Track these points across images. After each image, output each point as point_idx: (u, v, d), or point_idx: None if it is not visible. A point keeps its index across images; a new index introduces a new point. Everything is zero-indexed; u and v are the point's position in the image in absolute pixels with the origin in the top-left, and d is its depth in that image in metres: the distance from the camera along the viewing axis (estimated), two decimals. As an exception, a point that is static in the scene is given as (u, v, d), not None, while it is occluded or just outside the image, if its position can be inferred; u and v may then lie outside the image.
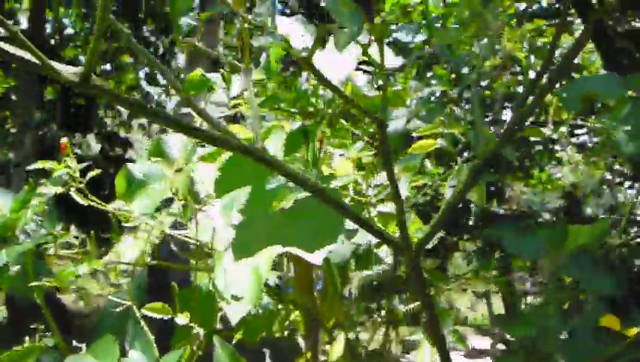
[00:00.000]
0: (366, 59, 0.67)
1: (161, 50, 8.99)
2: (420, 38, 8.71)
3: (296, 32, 0.71)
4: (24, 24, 8.25)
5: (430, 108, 0.68)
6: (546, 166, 8.29)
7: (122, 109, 9.32)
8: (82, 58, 8.88)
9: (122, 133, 9.26)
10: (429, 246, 0.70)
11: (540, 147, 7.78)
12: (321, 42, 0.72)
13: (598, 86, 0.67)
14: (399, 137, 0.73)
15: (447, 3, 8.24)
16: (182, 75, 7.95)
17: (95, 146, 9.53)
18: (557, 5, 6.17)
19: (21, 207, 0.60)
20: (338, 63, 0.57)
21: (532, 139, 7.75)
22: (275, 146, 0.78)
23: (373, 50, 0.76)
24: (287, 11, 7.82)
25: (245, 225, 0.62)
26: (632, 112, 0.65)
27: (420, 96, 0.73)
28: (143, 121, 9.36)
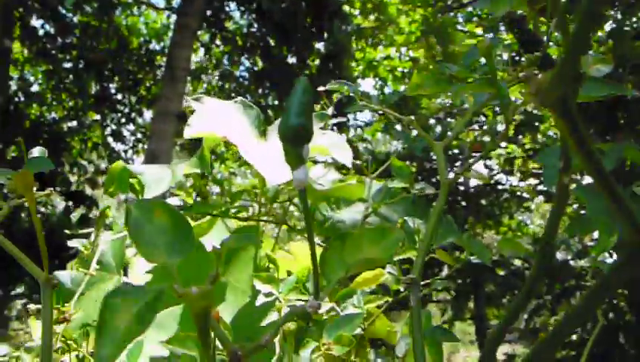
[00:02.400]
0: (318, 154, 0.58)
1: (126, 109, 8.91)
2: (387, 90, 8.86)
3: (234, 118, 0.62)
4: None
5: (389, 204, 0.60)
6: (514, 213, 8.37)
7: (88, 166, 9.12)
8: (48, 116, 8.73)
9: (87, 190, 9.03)
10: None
11: (507, 195, 7.86)
12: (262, 133, 0.63)
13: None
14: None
15: (413, 57, 8.44)
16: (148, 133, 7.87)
17: (60, 204, 9.25)
18: (517, 58, 6.33)
19: None
20: (282, 163, 0.47)
21: (500, 187, 7.82)
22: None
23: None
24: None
25: None
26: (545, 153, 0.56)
27: (379, 189, 0.64)
28: (109, 178, 9.15)
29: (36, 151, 0.49)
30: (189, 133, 0.53)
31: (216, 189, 0.70)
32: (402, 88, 8.59)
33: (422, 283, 0.64)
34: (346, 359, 0.56)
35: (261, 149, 0.56)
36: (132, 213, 0.32)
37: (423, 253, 0.35)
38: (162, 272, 0.29)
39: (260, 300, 0.50)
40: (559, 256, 7.45)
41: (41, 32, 7.95)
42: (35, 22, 7.98)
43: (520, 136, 6.35)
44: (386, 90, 8.87)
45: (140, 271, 0.80)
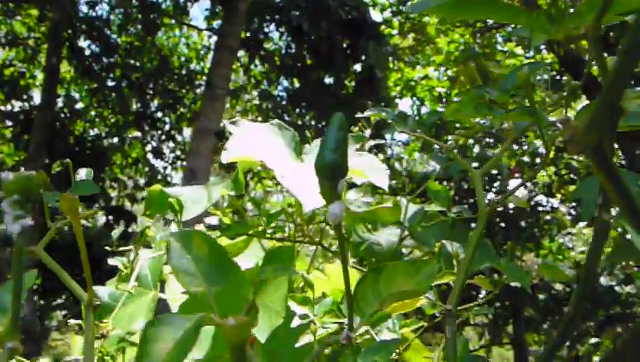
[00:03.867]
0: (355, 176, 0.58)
1: (166, 126, 9.12)
2: (425, 110, 8.81)
3: (270, 141, 0.62)
4: (37, 99, 8.43)
5: (427, 228, 0.59)
6: (555, 236, 8.13)
7: (128, 181, 9.35)
8: (91, 131, 9.01)
9: (127, 206, 9.24)
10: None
11: (548, 217, 7.66)
12: (299, 155, 0.63)
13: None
14: (391, 258, 0.64)
15: (451, 77, 8.38)
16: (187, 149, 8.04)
17: (101, 218, 9.49)
18: (559, 77, 6.22)
19: None
20: (317, 186, 0.47)
21: (540, 209, 7.63)
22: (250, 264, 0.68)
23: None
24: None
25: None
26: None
27: (416, 211, 0.64)
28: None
29: (83, 173, 0.51)
30: (226, 157, 0.54)
31: (252, 207, 0.71)
32: (440, 109, 8.53)
33: (459, 307, 0.63)
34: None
35: (297, 172, 0.56)
36: (173, 243, 0.32)
37: (460, 283, 0.35)
38: (200, 299, 0.29)
39: (296, 322, 0.50)
40: (603, 281, 7.20)
41: (87, 52, 8.26)
42: (82, 42, 8.29)
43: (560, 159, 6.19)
44: (424, 110, 8.83)
45: (175, 288, 0.81)
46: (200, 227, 0.69)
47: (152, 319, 0.30)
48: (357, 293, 0.33)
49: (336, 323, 0.49)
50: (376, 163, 0.57)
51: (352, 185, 0.79)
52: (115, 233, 0.66)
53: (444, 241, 0.57)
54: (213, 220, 0.66)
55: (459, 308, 0.57)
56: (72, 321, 0.60)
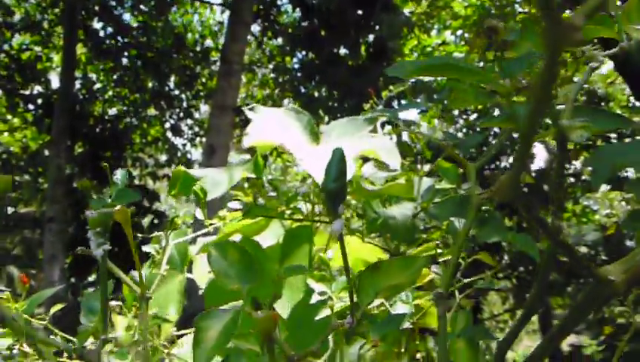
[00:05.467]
0: (369, 155, 0.60)
1: (184, 103, 9.17)
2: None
3: (287, 125, 0.65)
4: (55, 83, 8.53)
5: (439, 203, 0.61)
6: (579, 198, 8.04)
7: (148, 160, 9.47)
8: (110, 111, 9.11)
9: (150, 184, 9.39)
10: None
11: (572, 179, 7.57)
12: (315, 137, 0.66)
13: (630, 156, 0.59)
14: (406, 231, 0.66)
15: (468, 41, 8.22)
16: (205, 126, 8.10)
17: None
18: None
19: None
20: None
21: (565, 171, 7.54)
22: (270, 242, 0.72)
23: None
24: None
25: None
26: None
27: (428, 187, 0.66)
28: (168, 171, 9.48)
29: (119, 174, 0.55)
30: (247, 142, 0.57)
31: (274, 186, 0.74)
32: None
33: (467, 280, 0.66)
34: (397, 351, 0.59)
35: (314, 154, 0.59)
36: (212, 252, 0.42)
37: (453, 264, 0.38)
38: (223, 282, 0.38)
39: (315, 298, 0.53)
40: (629, 243, 7.13)
41: (101, 34, 8.30)
42: (96, 24, 8.33)
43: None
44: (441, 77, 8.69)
45: (202, 269, 0.85)
46: (223, 212, 0.72)
47: (202, 313, 0.39)
48: (358, 286, 0.41)
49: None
50: (389, 143, 0.59)
51: (366, 159, 0.82)
52: (146, 222, 0.70)
53: (452, 218, 0.59)
54: (235, 204, 0.69)
55: (467, 280, 0.60)
56: (113, 303, 0.65)
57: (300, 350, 0.37)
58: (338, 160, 0.45)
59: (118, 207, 0.44)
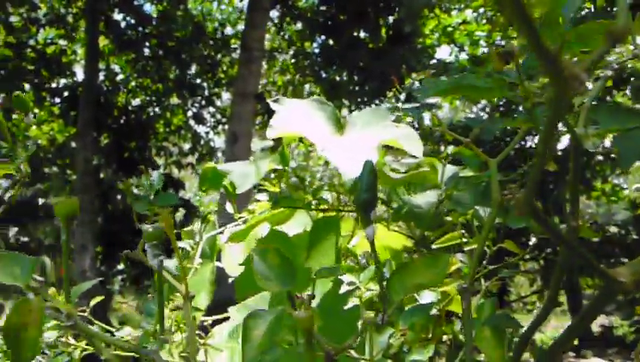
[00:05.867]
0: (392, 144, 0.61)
1: (206, 92, 9.22)
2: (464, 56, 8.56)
3: (311, 116, 0.66)
4: (80, 75, 8.67)
5: (463, 190, 0.61)
6: (609, 177, 7.86)
7: (173, 148, 9.58)
8: (134, 101, 9.22)
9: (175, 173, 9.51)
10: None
11: (601, 157, 7.40)
12: (339, 128, 0.67)
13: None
14: (431, 219, 0.67)
15: (490, 19, 8.08)
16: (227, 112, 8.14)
17: (150, 186, 9.80)
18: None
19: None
20: (357, 156, 0.52)
21: (592, 149, 7.38)
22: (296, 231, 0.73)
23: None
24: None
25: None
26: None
27: (452, 175, 0.66)
28: (192, 160, 9.58)
29: (155, 175, 0.57)
30: (272, 134, 0.58)
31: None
32: (482, 51, 8.27)
33: (492, 266, 0.66)
34: (424, 336, 0.60)
35: (337, 145, 0.60)
36: (254, 256, 0.46)
37: (477, 256, 0.39)
38: (251, 271, 0.42)
39: (343, 288, 0.55)
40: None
41: (122, 25, 8.37)
42: (117, 15, 8.40)
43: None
44: (463, 56, 8.57)
45: (231, 257, 0.87)
46: (252, 206, 0.74)
47: (250, 313, 0.44)
48: (388, 285, 0.44)
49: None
50: (412, 133, 0.60)
51: (390, 147, 0.82)
52: (178, 216, 0.72)
53: (476, 207, 0.60)
54: (263, 196, 0.71)
55: (492, 267, 0.61)
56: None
57: (332, 339, 0.39)
58: (369, 172, 0.48)
59: (162, 214, 0.47)
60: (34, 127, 8.86)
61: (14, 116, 8.33)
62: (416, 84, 0.90)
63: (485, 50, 8.21)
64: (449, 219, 0.71)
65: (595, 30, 0.41)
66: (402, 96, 0.85)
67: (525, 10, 0.22)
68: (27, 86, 8.30)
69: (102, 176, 8.86)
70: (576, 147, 0.42)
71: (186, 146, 9.65)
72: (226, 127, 8.22)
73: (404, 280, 0.43)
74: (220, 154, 9.54)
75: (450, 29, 8.39)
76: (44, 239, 9.78)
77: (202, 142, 9.50)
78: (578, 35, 0.41)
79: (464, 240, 0.66)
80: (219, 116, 9.54)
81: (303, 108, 0.65)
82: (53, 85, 8.66)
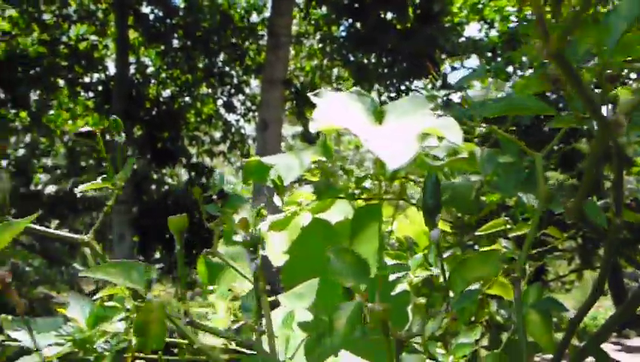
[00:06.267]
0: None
1: (235, 80, 9.28)
2: (494, 33, 8.38)
3: (351, 108, 0.67)
4: (112, 69, 8.83)
5: (504, 174, 0.62)
6: (648, 151, 7.63)
7: (204, 138, 9.71)
8: (164, 93, 9.35)
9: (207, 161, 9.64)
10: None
11: None
12: (379, 118, 0.68)
13: None
14: (471, 205, 0.68)
15: (519, -6, 7.86)
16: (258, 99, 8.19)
17: (184, 176, 9.99)
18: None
19: (96, 323, 0.62)
20: (399, 146, 0.54)
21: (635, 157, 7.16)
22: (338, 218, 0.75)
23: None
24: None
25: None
26: None
27: (490, 161, 0.67)
28: (223, 148, 9.68)
29: (217, 176, 0.60)
30: (314, 127, 0.60)
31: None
32: (512, 25, 8.08)
33: (533, 251, 0.67)
34: (468, 319, 0.62)
35: (378, 135, 0.61)
36: (331, 256, 0.50)
37: (524, 256, 0.42)
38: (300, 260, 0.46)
39: (393, 275, 0.57)
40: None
41: (151, 17, 8.47)
42: (145, 8, 8.50)
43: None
44: (493, 33, 8.39)
45: (274, 246, 0.90)
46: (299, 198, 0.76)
47: (333, 306, 0.48)
48: (449, 279, 0.50)
49: (426, 274, 0.56)
50: (451, 122, 0.61)
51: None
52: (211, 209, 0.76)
53: (519, 194, 0.60)
54: (307, 188, 0.73)
55: (534, 251, 0.62)
56: (210, 287, 0.70)
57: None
58: (433, 182, 0.56)
59: (239, 220, 0.51)
60: (70, 121, 9.08)
61: (51, 112, 8.54)
62: (449, 69, 0.90)
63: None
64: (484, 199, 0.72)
65: (638, 40, 0.42)
66: (439, 83, 0.85)
67: (571, 65, 0.24)
68: (61, 82, 8.51)
69: (135, 167, 9.04)
70: (619, 154, 0.43)
71: (217, 135, 9.75)
72: (256, 114, 8.27)
73: (463, 274, 0.48)
74: (250, 142, 9.63)
75: (479, 5, 8.22)
76: (83, 231, 10.06)
77: (233, 130, 9.58)
78: (621, 44, 0.42)
79: (508, 226, 0.67)
80: (249, 103, 9.60)
81: (343, 100, 0.66)
82: (87, 80, 8.85)
